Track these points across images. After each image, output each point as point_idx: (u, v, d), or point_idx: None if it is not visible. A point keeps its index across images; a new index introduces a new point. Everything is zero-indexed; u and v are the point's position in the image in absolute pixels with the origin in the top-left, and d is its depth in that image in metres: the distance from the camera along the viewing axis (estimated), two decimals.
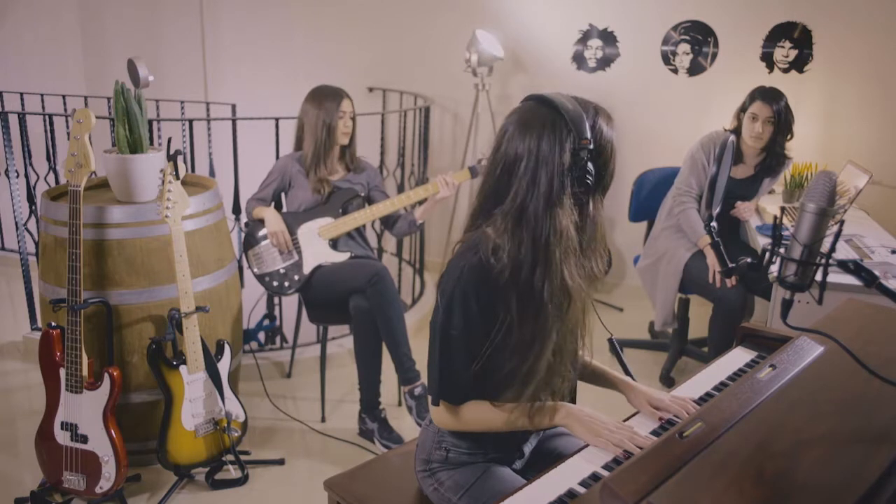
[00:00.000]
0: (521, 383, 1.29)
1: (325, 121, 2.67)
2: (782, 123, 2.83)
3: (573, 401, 1.43)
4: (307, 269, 2.69)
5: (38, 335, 2.32)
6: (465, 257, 1.28)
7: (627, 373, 1.52)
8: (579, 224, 1.28)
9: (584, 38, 4.09)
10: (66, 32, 5.30)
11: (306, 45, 4.69)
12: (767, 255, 1.28)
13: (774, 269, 1.28)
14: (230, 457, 2.33)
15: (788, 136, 2.90)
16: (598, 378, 1.52)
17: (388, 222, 2.85)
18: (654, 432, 1.31)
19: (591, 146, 1.25)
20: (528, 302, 1.26)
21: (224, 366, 2.30)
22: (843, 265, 1.21)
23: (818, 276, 1.21)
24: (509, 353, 1.29)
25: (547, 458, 1.47)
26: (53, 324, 2.12)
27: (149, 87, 2.36)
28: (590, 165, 1.25)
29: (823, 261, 1.19)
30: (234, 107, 4.49)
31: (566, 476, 1.20)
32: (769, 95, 2.83)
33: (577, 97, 1.29)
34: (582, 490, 1.16)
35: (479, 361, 1.30)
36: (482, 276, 1.26)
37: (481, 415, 1.35)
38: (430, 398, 1.39)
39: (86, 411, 2.08)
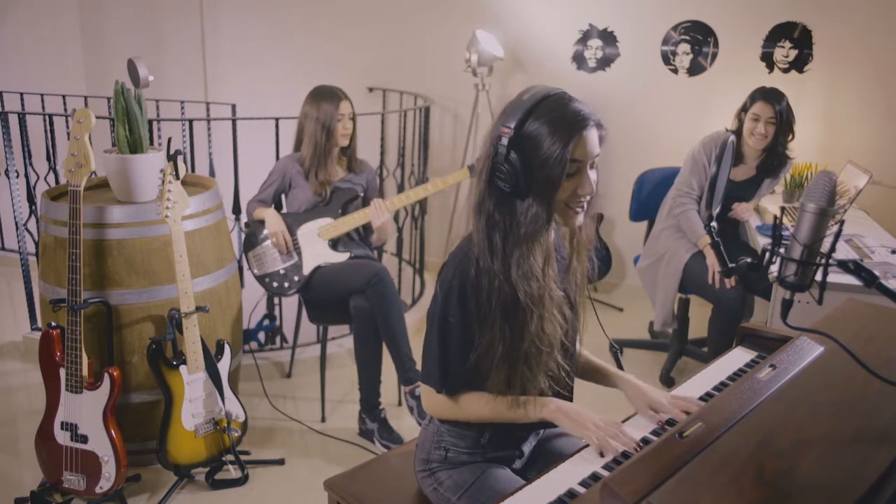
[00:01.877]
0: (497, 376, 1.31)
1: (323, 123, 2.66)
2: (784, 123, 2.83)
3: (570, 397, 1.42)
4: (307, 270, 2.69)
5: (38, 335, 2.32)
6: (465, 247, 1.31)
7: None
8: (503, 219, 1.25)
9: (584, 38, 4.09)
10: (66, 32, 5.30)
11: (306, 45, 4.69)
12: (767, 255, 1.28)
13: (774, 269, 1.28)
14: (230, 457, 2.33)
15: (790, 137, 2.90)
16: (597, 375, 1.51)
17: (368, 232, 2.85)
18: (653, 432, 1.31)
19: (511, 134, 1.20)
20: (489, 296, 1.27)
21: (224, 366, 2.30)
22: (843, 265, 1.21)
23: (818, 276, 1.21)
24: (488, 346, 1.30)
25: (547, 458, 1.47)
26: (53, 324, 2.12)
27: (149, 87, 2.37)
28: (513, 155, 1.20)
29: (823, 261, 1.19)
30: (234, 107, 4.49)
31: (566, 476, 1.20)
32: (770, 96, 2.83)
33: (565, 96, 1.24)
34: (582, 490, 1.16)
35: (476, 351, 1.31)
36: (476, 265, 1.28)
37: (472, 403, 1.36)
38: (421, 385, 1.40)
39: (86, 411, 2.08)
